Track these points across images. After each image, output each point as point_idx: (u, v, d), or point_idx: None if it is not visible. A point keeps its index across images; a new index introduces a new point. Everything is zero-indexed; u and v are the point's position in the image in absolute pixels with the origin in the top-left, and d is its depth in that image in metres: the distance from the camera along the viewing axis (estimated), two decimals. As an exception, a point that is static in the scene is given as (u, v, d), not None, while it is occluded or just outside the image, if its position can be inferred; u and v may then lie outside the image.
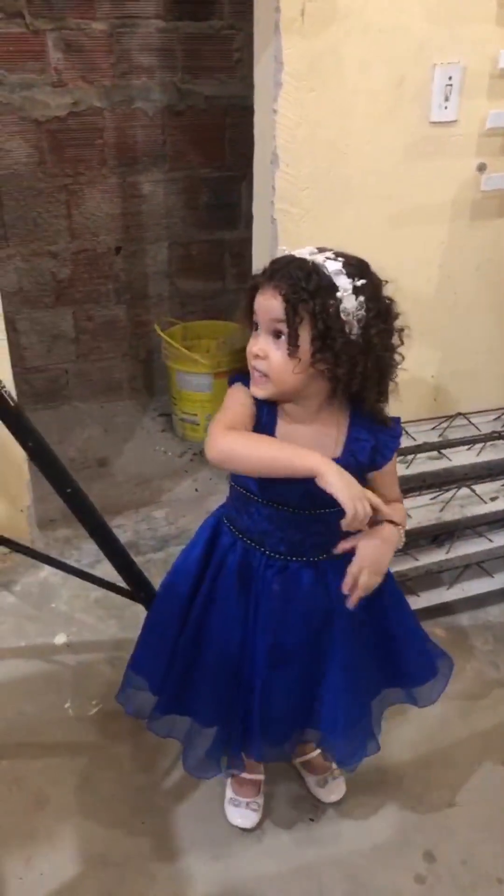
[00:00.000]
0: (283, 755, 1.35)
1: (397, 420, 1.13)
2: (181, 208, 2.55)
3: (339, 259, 1.02)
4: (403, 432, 1.41)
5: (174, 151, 2.46)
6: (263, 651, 1.18)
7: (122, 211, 2.49)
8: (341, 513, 0.99)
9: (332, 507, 1.03)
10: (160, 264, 2.62)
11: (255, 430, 1.08)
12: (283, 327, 1.01)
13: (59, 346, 2.65)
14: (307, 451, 1.00)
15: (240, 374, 1.11)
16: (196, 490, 2.32)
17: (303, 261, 1.02)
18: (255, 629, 1.18)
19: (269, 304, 1.02)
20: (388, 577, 1.18)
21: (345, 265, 1.01)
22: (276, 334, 1.02)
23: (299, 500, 1.10)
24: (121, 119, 2.35)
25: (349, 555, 1.10)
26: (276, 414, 1.09)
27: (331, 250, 1.04)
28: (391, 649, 1.25)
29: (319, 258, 1.02)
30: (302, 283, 1.00)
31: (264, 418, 1.09)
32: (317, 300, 0.99)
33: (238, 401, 1.09)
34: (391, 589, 1.22)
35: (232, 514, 1.19)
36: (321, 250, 1.04)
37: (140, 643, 1.33)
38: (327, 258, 1.02)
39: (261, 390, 1.06)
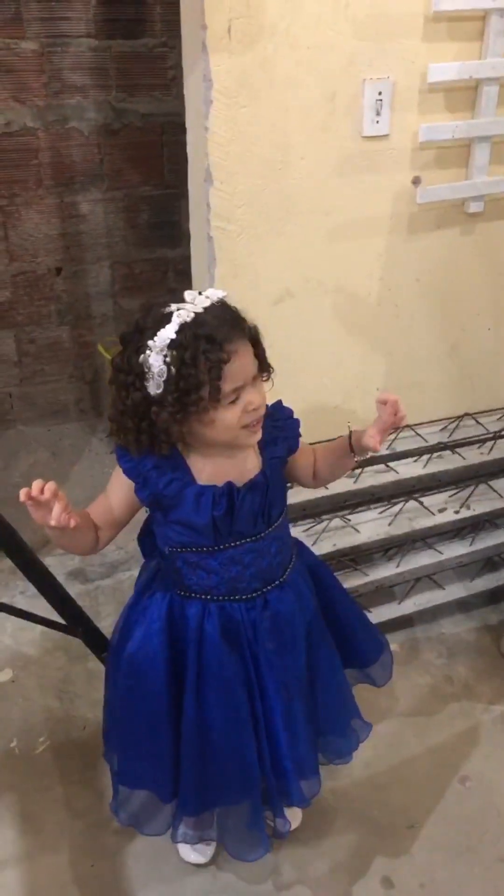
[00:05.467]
0: (318, 787, 1.24)
1: (279, 401, 1.15)
2: (122, 227, 2.52)
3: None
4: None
5: (112, 170, 2.43)
6: (275, 693, 1.13)
7: (61, 231, 2.45)
8: (285, 522, 1.13)
9: (279, 518, 1.12)
10: (103, 284, 2.58)
11: (158, 499, 1.06)
12: (257, 367, 1.02)
13: (2, 370, 2.59)
14: None
15: (122, 448, 1.07)
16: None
17: (222, 303, 1.01)
18: (260, 678, 1.13)
19: (248, 359, 1.00)
20: (325, 567, 1.27)
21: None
22: (254, 379, 1.02)
23: (254, 524, 1.08)
24: (56, 139, 2.32)
25: (305, 560, 1.21)
26: (187, 466, 1.06)
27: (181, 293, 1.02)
28: (344, 631, 1.26)
29: (196, 298, 1.01)
30: (242, 318, 1.01)
31: (170, 485, 1.05)
32: (250, 325, 1.03)
33: (120, 487, 1.10)
34: (330, 575, 1.27)
35: (185, 583, 1.12)
36: (176, 297, 1.01)
37: (124, 756, 1.20)
38: (195, 295, 1.01)
39: (260, 432, 1.06)
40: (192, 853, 1.32)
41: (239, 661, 1.11)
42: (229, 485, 1.05)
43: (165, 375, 0.96)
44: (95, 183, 2.42)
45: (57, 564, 1.97)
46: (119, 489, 1.10)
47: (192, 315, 0.96)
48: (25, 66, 2.20)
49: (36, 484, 0.95)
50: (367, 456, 1.16)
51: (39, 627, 1.76)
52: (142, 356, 0.97)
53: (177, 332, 0.95)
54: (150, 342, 0.96)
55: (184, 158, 1.59)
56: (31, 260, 2.45)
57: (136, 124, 2.39)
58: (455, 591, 1.85)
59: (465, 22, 1.56)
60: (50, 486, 0.96)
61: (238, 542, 1.08)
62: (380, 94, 1.57)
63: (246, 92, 1.49)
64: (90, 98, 2.31)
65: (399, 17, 1.52)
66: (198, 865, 1.32)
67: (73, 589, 1.80)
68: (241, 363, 0.98)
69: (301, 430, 1.18)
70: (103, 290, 2.59)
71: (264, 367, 1.05)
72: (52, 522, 0.97)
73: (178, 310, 0.97)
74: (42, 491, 0.95)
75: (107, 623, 1.61)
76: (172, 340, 0.95)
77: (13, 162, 2.30)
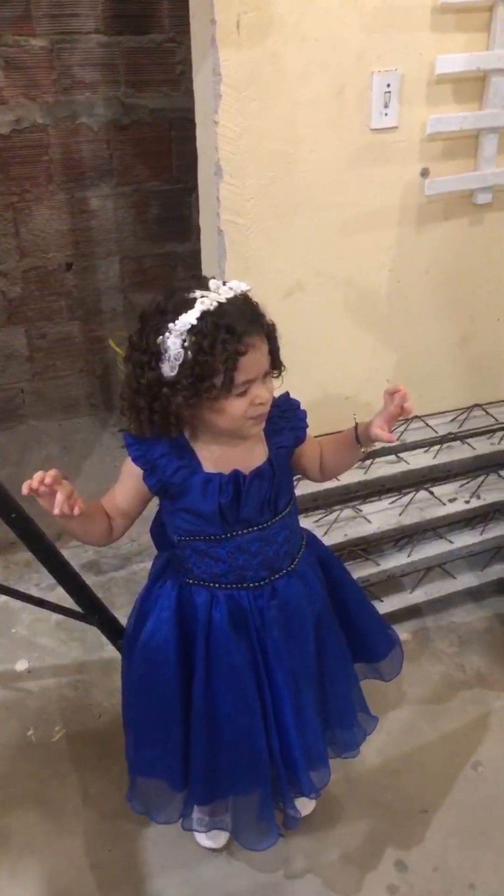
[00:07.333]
0: (328, 777, 1.25)
1: (286, 393, 1.15)
2: (131, 222, 2.54)
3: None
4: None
5: (121, 166, 2.44)
6: (284, 681, 1.14)
7: (71, 227, 2.46)
8: (294, 511, 1.14)
9: (287, 507, 1.13)
10: (113, 279, 2.60)
11: (166, 486, 1.07)
12: (269, 364, 1.03)
13: (13, 366, 2.61)
14: None
15: (131, 435, 1.08)
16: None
17: (245, 296, 1.02)
18: (268, 665, 1.14)
19: (262, 354, 1.02)
20: (336, 560, 1.28)
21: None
22: (265, 375, 1.03)
23: (261, 512, 1.10)
24: (65, 135, 2.33)
25: (314, 551, 1.22)
26: (195, 454, 1.08)
27: (205, 280, 1.03)
28: (355, 625, 1.27)
29: (220, 287, 1.01)
30: (261, 314, 1.02)
31: (178, 473, 1.06)
32: (268, 321, 1.03)
33: (130, 475, 1.11)
34: (341, 569, 1.28)
35: (193, 572, 1.13)
36: (201, 283, 1.02)
37: (136, 744, 1.21)
38: (219, 285, 1.02)
39: (263, 423, 1.08)
40: (206, 839, 1.34)
41: (247, 649, 1.12)
42: (235, 472, 1.07)
43: (181, 359, 0.97)
44: (105, 178, 2.44)
45: (71, 556, 1.97)
46: (129, 478, 1.11)
47: (216, 304, 0.97)
48: (35, 63, 2.22)
49: (37, 476, 0.97)
50: (375, 447, 1.17)
51: (54, 618, 1.78)
52: (160, 337, 0.98)
53: (198, 319, 0.96)
54: (170, 325, 0.97)
55: (192, 153, 1.60)
56: (42, 255, 2.47)
57: (144, 119, 2.41)
58: (466, 580, 1.86)
59: (473, 13, 1.56)
60: (50, 475, 0.97)
61: (245, 531, 1.09)
62: (388, 86, 1.58)
63: (255, 86, 1.50)
64: (99, 94, 2.32)
65: (407, 9, 1.53)
66: (212, 851, 1.34)
67: (87, 580, 1.80)
68: (255, 357, 0.99)
69: (313, 422, 1.19)
70: (113, 284, 2.61)
71: (276, 365, 1.06)
72: (56, 511, 0.98)
73: (201, 297, 0.98)
74: (42, 481, 0.96)
75: (120, 614, 1.63)
76: (193, 326, 0.96)
77: (24, 158, 2.31)
